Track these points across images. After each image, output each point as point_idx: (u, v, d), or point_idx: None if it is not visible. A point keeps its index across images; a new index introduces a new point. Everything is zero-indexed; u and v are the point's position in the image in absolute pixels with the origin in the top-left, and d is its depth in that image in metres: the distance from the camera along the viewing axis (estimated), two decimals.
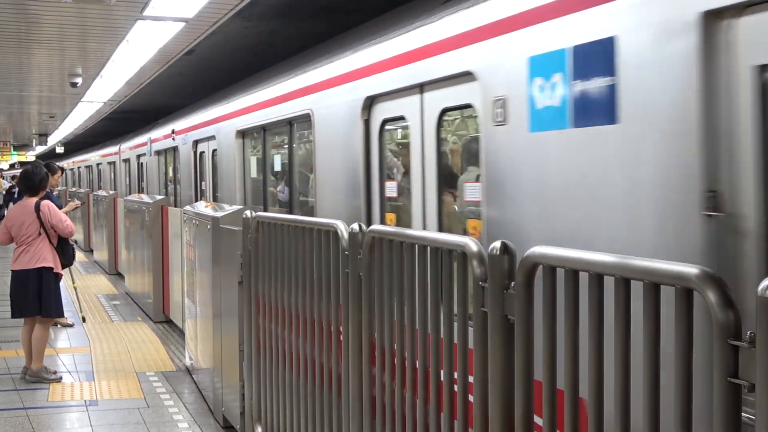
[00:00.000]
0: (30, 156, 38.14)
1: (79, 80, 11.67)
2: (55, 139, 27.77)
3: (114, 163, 20.05)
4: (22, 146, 34.41)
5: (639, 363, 2.02)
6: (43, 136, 26.13)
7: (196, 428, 6.17)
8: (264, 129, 8.12)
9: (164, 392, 7.13)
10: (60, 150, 31.44)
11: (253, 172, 8.89)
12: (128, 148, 17.57)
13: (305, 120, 6.74)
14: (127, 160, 17.90)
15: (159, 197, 12.04)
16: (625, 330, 2.07)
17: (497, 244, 2.58)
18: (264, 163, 8.41)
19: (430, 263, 3.02)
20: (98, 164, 23.50)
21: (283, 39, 9.31)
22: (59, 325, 9.91)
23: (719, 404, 1.76)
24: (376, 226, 3.54)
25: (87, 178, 26.65)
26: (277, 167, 8.35)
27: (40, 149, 33.82)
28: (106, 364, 8.19)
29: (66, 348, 9.05)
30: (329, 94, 6.09)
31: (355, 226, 3.69)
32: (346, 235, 3.74)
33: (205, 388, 6.91)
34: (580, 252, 2.27)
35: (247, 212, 5.34)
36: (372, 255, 3.48)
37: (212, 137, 9.92)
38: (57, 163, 11.80)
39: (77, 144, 30.84)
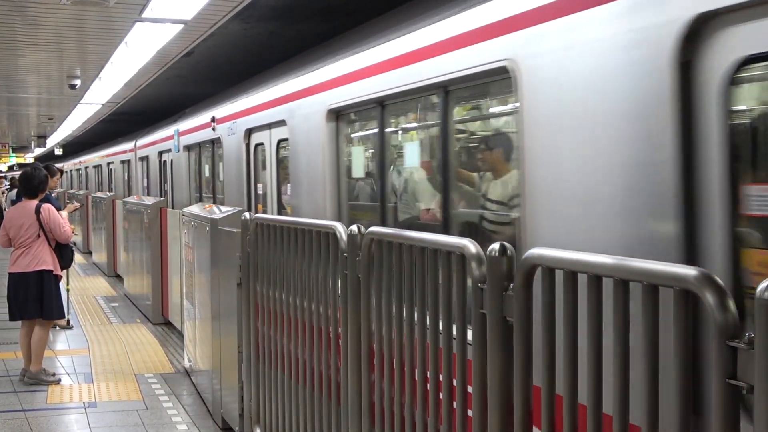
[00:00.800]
0: (29, 158, 38.14)
1: (77, 82, 11.66)
2: (54, 140, 27.75)
3: (128, 161, 17.34)
4: (21, 148, 34.39)
5: (638, 364, 2.02)
6: (41, 138, 26.09)
7: (195, 430, 6.16)
8: (382, 104, 5.45)
9: (163, 394, 7.12)
10: (59, 152, 31.45)
11: (357, 171, 6.20)
12: (147, 143, 15.00)
13: (489, 79, 4.21)
14: (144, 158, 15.24)
15: (157, 199, 12.02)
16: (624, 331, 2.07)
17: (496, 245, 2.57)
18: (381, 159, 5.59)
19: (429, 265, 3.01)
20: (109, 164, 20.39)
21: (282, 40, 9.30)
22: (57, 327, 9.90)
23: (718, 405, 1.76)
24: (375, 228, 3.53)
25: (95, 179, 23.36)
26: (410, 161, 5.51)
27: (38, 151, 33.83)
28: (104, 366, 8.18)
29: (65, 350, 9.05)
30: (564, 27, 3.43)
31: (354, 228, 3.68)
32: (344, 237, 3.74)
33: (203, 390, 6.90)
34: (578, 253, 2.27)
35: (246, 214, 5.34)
36: (371, 257, 3.48)
37: (279, 122, 7.38)
38: (56, 165, 11.81)
39: (76, 145, 30.84)
